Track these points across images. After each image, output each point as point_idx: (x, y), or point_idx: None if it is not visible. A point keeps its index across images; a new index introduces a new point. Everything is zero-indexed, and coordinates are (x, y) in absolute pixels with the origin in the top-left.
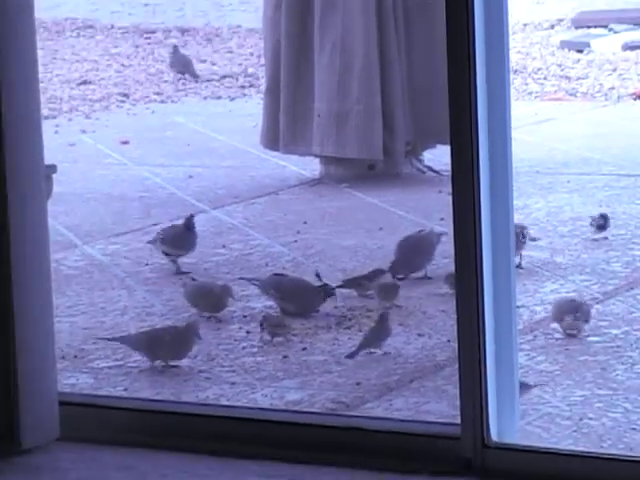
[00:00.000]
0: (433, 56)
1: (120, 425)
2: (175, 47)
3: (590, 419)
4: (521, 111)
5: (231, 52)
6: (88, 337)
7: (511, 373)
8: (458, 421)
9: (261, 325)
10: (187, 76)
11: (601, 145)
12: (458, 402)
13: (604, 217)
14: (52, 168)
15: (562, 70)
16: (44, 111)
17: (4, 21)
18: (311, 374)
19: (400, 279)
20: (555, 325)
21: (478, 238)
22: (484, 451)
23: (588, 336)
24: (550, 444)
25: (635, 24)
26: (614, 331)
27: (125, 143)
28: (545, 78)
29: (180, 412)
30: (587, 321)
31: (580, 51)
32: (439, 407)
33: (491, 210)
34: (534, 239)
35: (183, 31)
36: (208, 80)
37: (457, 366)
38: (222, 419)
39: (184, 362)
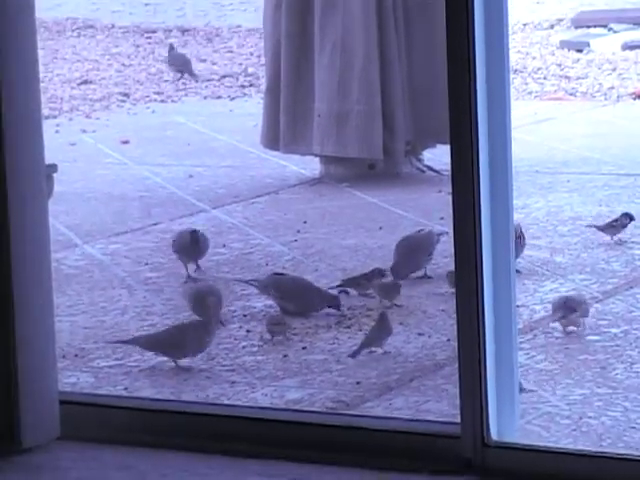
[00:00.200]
0: (433, 56)
1: (120, 424)
2: (171, 45)
3: (590, 418)
4: (521, 111)
5: (231, 52)
6: (88, 336)
7: (511, 372)
8: (458, 420)
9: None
10: (187, 75)
11: (601, 145)
12: (458, 401)
13: (629, 216)
14: (53, 167)
15: (562, 70)
16: (45, 111)
17: (4, 21)
18: (311, 373)
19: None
20: (555, 324)
21: (478, 238)
22: (484, 450)
23: (588, 335)
24: (550, 443)
25: (635, 24)
26: (614, 330)
27: (125, 143)
28: (545, 78)
29: (180, 411)
30: (586, 316)
31: (580, 51)
32: (439, 406)
33: (491, 210)
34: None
35: (183, 31)
36: (208, 80)
37: (457, 365)
38: (222, 418)
39: (184, 361)
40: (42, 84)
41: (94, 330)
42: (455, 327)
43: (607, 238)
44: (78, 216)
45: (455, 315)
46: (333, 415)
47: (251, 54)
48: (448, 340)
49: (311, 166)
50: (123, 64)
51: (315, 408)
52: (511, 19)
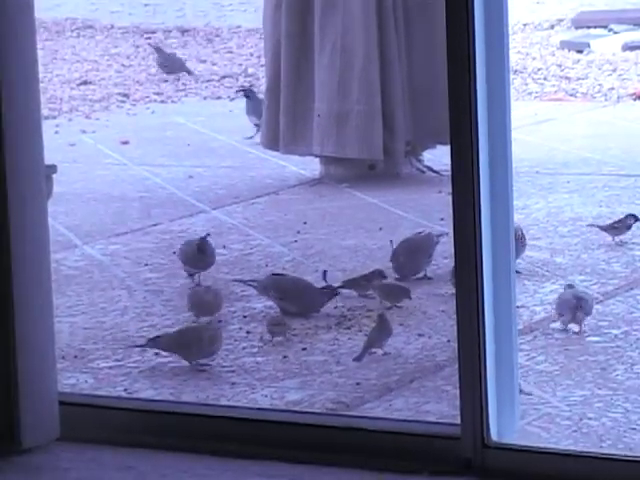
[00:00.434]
0: (433, 56)
1: (120, 425)
2: (158, 48)
3: (590, 419)
4: (521, 111)
5: (231, 52)
6: (88, 337)
7: (511, 373)
8: (458, 421)
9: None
10: (184, 75)
11: (601, 145)
12: (458, 402)
13: (634, 217)
14: (52, 168)
15: (562, 70)
16: (44, 111)
17: (4, 21)
18: (311, 374)
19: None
20: (555, 325)
21: (478, 238)
22: (484, 451)
23: (588, 336)
24: (550, 444)
25: (635, 24)
26: (614, 331)
27: (125, 143)
28: (545, 78)
29: (180, 412)
30: (589, 314)
31: (580, 51)
32: (439, 407)
33: (491, 210)
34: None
35: (183, 31)
36: (208, 80)
37: (457, 366)
38: (222, 419)
39: (183, 362)
40: (42, 84)
41: (94, 331)
42: (455, 328)
43: (609, 239)
44: (78, 217)
45: (455, 316)
46: (333, 416)
47: (251, 54)
48: (448, 341)
49: (311, 167)
50: (123, 64)
51: (315, 409)
52: (511, 19)
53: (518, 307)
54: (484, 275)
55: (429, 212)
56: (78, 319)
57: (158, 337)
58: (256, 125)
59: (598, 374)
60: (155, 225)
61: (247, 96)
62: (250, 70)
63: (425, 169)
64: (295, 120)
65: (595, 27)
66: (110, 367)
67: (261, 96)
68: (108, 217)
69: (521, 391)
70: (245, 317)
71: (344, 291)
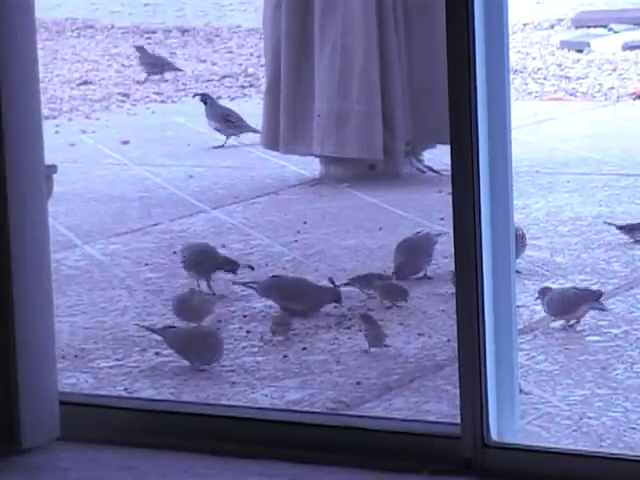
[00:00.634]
0: (433, 56)
1: (120, 425)
2: (140, 48)
3: (590, 418)
4: (521, 111)
5: (231, 52)
6: (88, 337)
7: (511, 373)
8: (458, 421)
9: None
10: (186, 75)
11: (601, 145)
12: (458, 402)
13: None
14: (52, 168)
15: (562, 70)
16: (44, 111)
17: (4, 21)
18: (311, 374)
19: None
20: (555, 324)
21: (478, 238)
22: (484, 451)
23: (588, 335)
24: (550, 444)
25: (635, 24)
26: (614, 331)
27: (125, 143)
28: (545, 78)
29: (180, 412)
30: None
31: (580, 51)
32: (439, 407)
33: (491, 210)
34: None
35: (183, 31)
36: (208, 80)
37: (457, 366)
38: (222, 419)
39: (183, 362)
40: (42, 84)
41: (94, 331)
42: (455, 327)
43: (609, 238)
44: (78, 217)
45: (455, 315)
46: (333, 416)
47: (251, 54)
48: (448, 340)
49: (311, 166)
50: (123, 64)
51: (315, 409)
52: (511, 19)
53: (518, 307)
54: (484, 275)
55: (429, 212)
56: (78, 319)
57: (172, 327)
58: (217, 130)
59: (598, 373)
60: (155, 225)
61: (204, 102)
62: (250, 70)
63: (425, 169)
64: (295, 120)
65: (595, 27)
66: (110, 367)
67: (221, 102)
68: (108, 217)
69: (521, 390)
70: (245, 317)
71: (344, 291)
